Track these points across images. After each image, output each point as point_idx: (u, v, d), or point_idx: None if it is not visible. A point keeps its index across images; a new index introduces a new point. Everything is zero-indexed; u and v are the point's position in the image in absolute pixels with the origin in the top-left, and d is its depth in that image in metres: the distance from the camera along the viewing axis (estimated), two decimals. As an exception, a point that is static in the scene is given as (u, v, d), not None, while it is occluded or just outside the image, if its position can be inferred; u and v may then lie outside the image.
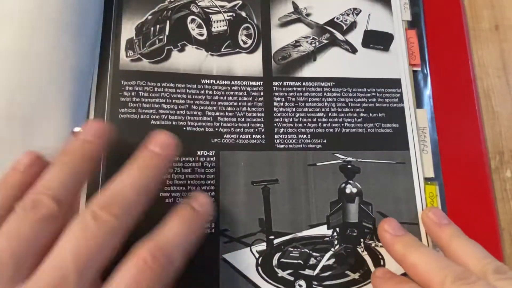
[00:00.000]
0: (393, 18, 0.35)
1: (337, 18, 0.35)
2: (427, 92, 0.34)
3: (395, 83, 0.34)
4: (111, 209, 0.21)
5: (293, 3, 0.35)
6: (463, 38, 0.36)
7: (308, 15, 0.35)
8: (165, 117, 0.30)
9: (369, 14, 0.35)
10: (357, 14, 0.35)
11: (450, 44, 0.36)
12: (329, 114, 0.32)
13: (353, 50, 0.34)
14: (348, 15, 0.35)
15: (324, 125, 0.32)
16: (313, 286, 0.28)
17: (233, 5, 0.34)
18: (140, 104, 0.30)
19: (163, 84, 0.31)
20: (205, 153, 0.30)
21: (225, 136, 0.30)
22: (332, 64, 0.34)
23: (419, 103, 0.34)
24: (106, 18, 0.31)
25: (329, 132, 0.32)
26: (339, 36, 0.34)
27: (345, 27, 0.35)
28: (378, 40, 0.35)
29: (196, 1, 0.33)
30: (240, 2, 0.34)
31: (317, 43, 0.34)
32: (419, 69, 0.35)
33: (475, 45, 0.37)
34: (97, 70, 0.30)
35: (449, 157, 0.32)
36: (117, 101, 0.30)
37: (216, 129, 0.30)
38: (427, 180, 0.31)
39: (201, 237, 0.24)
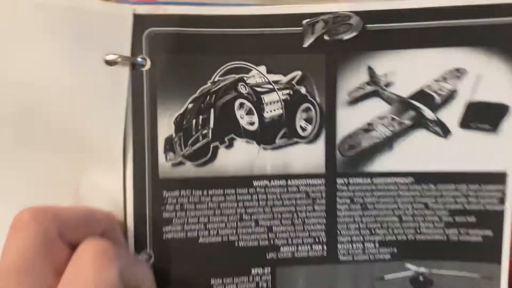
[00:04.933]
0: None
1: (429, 87, 0.26)
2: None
3: (497, 178, 0.26)
4: None
5: (369, 69, 0.26)
6: None
7: (388, 85, 0.27)
8: (215, 233, 0.27)
9: (478, 76, 0.26)
10: (459, 78, 0.26)
11: None
12: (403, 218, 0.27)
13: (445, 133, 0.27)
14: (445, 80, 0.26)
15: (395, 231, 0.27)
16: None
17: (290, 78, 0.27)
18: (186, 220, 0.27)
19: (210, 192, 0.27)
20: (260, 270, 0.28)
21: (281, 249, 0.28)
22: (413, 153, 0.27)
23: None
24: (136, 109, 0.26)
25: (401, 239, 0.27)
26: (427, 114, 0.27)
27: (439, 100, 0.26)
28: (484, 116, 0.26)
29: (245, 78, 0.27)
30: (300, 73, 0.27)
31: (396, 125, 0.27)
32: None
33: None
34: (131, 181, 0.26)
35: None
36: (160, 218, 0.27)
37: (272, 241, 0.28)
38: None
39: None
